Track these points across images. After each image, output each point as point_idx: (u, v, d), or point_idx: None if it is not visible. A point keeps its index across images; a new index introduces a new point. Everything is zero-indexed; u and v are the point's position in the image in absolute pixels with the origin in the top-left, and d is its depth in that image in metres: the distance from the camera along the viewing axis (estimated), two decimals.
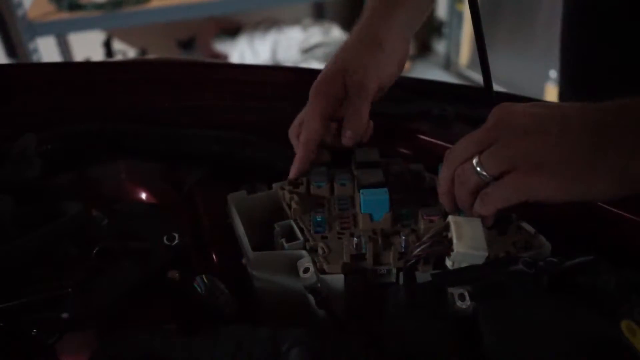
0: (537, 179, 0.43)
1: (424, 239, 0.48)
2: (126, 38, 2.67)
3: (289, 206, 0.56)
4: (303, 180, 0.58)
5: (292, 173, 0.59)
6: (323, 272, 0.48)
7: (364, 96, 0.58)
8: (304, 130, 0.59)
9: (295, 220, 0.54)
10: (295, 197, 0.56)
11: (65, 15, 2.16)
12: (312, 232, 0.52)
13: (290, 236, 0.52)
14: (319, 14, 2.92)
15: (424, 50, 3.02)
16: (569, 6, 0.89)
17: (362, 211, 0.53)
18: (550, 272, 0.46)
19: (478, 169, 0.45)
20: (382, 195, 0.53)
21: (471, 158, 0.46)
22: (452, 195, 0.49)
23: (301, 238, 0.52)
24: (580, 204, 0.57)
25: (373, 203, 0.53)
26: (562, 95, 0.97)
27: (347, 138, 0.60)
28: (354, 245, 0.49)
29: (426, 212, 0.52)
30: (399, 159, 0.62)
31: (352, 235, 0.51)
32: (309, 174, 0.59)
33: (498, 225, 0.51)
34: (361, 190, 0.53)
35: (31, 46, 2.18)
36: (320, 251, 0.50)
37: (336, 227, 0.53)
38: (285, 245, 0.51)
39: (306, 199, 0.57)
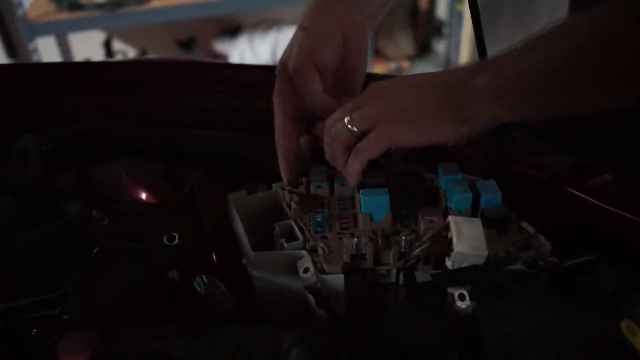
0: (396, 127, 0.53)
1: (424, 239, 0.48)
2: (126, 38, 2.67)
3: (289, 206, 0.56)
4: (303, 180, 0.58)
5: (282, 175, 0.60)
6: (323, 272, 0.48)
7: (297, 77, 0.59)
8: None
9: (295, 220, 0.54)
10: (295, 197, 0.56)
11: (65, 15, 2.16)
12: (312, 232, 0.52)
13: (290, 236, 0.52)
14: None
15: (424, 50, 3.02)
16: (574, 7, 0.89)
17: (362, 211, 0.53)
18: (550, 272, 0.46)
19: (349, 126, 0.53)
20: (382, 195, 0.53)
21: (344, 118, 0.54)
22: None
23: (301, 238, 0.52)
24: (581, 205, 0.57)
25: (373, 203, 0.53)
26: None
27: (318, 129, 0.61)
28: (354, 245, 0.49)
29: (426, 212, 0.52)
30: (399, 159, 0.62)
31: (352, 235, 0.51)
32: (309, 174, 0.59)
33: (498, 225, 0.51)
34: (361, 190, 0.53)
35: (31, 46, 2.17)
36: (320, 251, 0.50)
37: (336, 227, 0.53)
38: (285, 245, 0.51)
39: (306, 199, 0.57)
